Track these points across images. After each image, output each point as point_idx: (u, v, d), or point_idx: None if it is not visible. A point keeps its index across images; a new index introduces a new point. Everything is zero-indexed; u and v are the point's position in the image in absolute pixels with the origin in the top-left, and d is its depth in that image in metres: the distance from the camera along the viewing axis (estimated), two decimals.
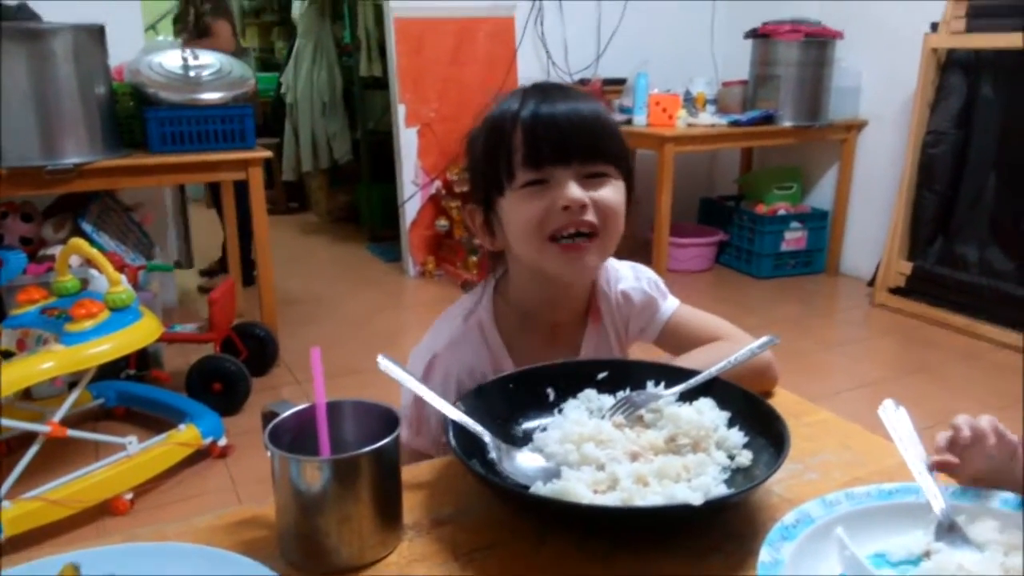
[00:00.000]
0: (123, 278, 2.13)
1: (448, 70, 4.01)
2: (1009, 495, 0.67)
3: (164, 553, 0.63)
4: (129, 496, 2.05)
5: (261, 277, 2.92)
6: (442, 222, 4.12)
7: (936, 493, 0.66)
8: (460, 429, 0.74)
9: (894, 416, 0.73)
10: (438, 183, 4.12)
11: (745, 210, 4.19)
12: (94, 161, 2.52)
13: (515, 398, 0.85)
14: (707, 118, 3.80)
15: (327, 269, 4.53)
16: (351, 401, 0.70)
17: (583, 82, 4.15)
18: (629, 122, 3.73)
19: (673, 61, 4.16)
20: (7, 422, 1.95)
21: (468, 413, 0.76)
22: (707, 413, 0.79)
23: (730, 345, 0.94)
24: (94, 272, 2.24)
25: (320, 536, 0.63)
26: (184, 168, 2.71)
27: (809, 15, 3.81)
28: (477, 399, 0.82)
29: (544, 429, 0.80)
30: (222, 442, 2.31)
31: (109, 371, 2.53)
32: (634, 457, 0.74)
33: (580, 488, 0.68)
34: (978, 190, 3.34)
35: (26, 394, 2.33)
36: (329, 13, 5.21)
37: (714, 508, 0.67)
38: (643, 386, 0.85)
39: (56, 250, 2.46)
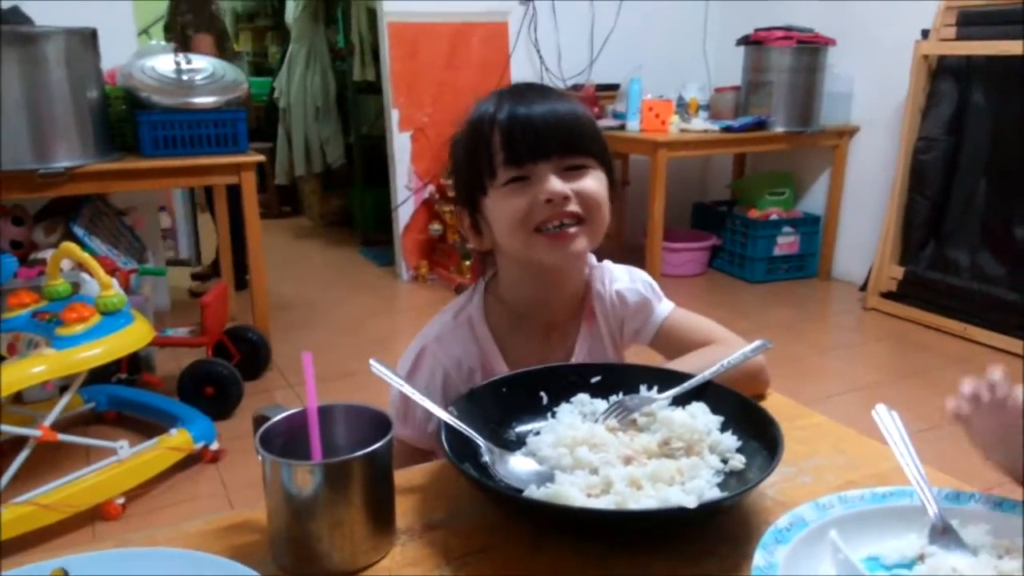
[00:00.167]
0: (114, 282, 2.13)
1: (442, 75, 4.02)
2: (1004, 499, 0.67)
3: (154, 558, 0.62)
4: (121, 501, 2.04)
5: (254, 281, 2.91)
6: (435, 226, 4.12)
7: (930, 496, 0.66)
8: (453, 433, 0.74)
9: (888, 420, 0.73)
10: (431, 187, 4.12)
11: (738, 215, 4.20)
12: (86, 165, 2.51)
13: (508, 402, 0.85)
14: (700, 124, 3.81)
15: (320, 273, 4.52)
16: (343, 405, 0.70)
17: (576, 87, 4.16)
18: (622, 127, 3.74)
19: (666, 67, 4.18)
20: None
21: (461, 417, 0.76)
22: (700, 417, 0.79)
23: (723, 349, 0.94)
24: (85, 276, 2.23)
25: (312, 541, 0.62)
26: (176, 172, 2.71)
27: (801, 22, 3.83)
28: (470, 402, 0.81)
29: (537, 433, 0.80)
30: (214, 446, 2.30)
31: (100, 375, 2.52)
32: (627, 461, 0.74)
33: (573, 492, 0.68)
34: (969, 195, 3.36)
35: (17, 398, 2.31)
36: (323, 18, 5.21)
37: (708, 511, 0.66)
38: (636, 390, 0.85)
39: (47, 254, 2.45)
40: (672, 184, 3.72)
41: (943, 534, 0.64)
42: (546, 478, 0.71)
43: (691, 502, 0.64)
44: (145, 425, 2.42)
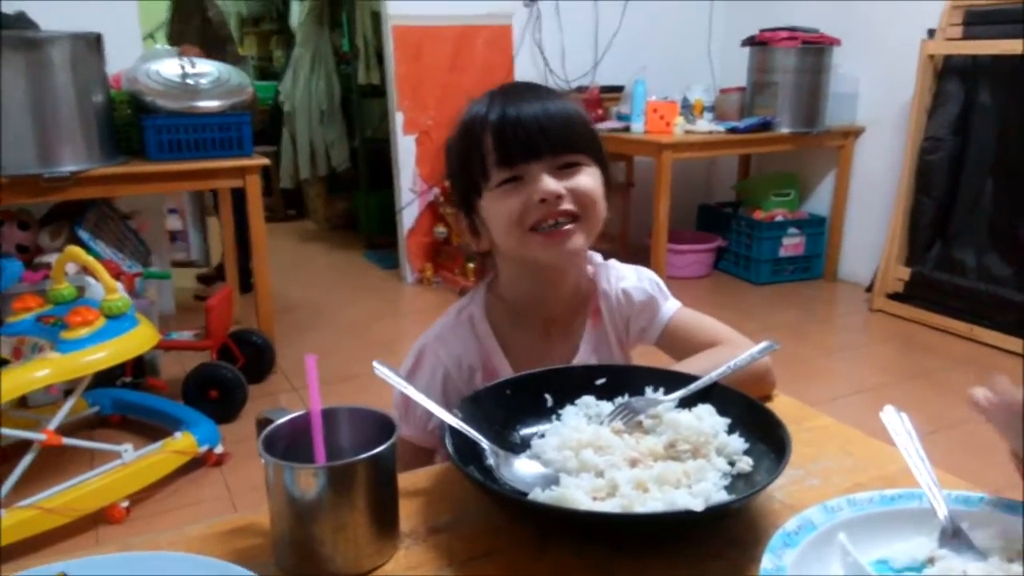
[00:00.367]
0: (119, 285, 2.13)
1: (446, 77, 4.02)
2: (1014, 501, 0.66)
3: (156, 562, 0.62)
4: (125, 504, 2.04)
5: (258, 284, 2.91)
6: (440, 229, 4.12)
7: (939, 499, 0.65)
8: (457, 435, 0.73)
9: (896, 421, 0.72)
10: (436, 190, 4.12)
11: (743, 216, 4.19)
12: (91, 169, 2.51)
13: (513, 404, 0.84)
14: (705, 125, 3.80)
15: (325, 276, 4.52)
16: (347, 407, 0.69)
17: (580, 89, 4.16)
18: (627, 129, 3.73)
19: (670, 68, 4.17)
20: (2, 430, 1.94)
21: (466, 419, 0.75)
22: (707, 419, 0.78)
23: (729, 350, 0.94)
24: (90, 279, 2.23)
25: (315, 544, 0.62)
26: (181, 176, 2.71)
27: (806, 22, 3.82)
28: (474, 405, 0.81)
29: (542, 435, 0.79)
30: (218, 450, 2.30)
31: (105, 379, 2.53)
32: (633, 463, 0.73)
33: (579, 495, 0.67)
34: (976, 196, 3.35)
35: (21, 402, 2.32)
36: (327, 21, 5.22)
37: (715, 514, 0.66)
38: (642, 392, 0.84)
39: (52, 258, 2.45)
40: (677, 186, 3.71)
41: (953, 537, 0.63)
42: (551, 481, 0.71)
43: (698, 505, 0.64)
44: (149, 428, 2.42)
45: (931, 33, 3.41)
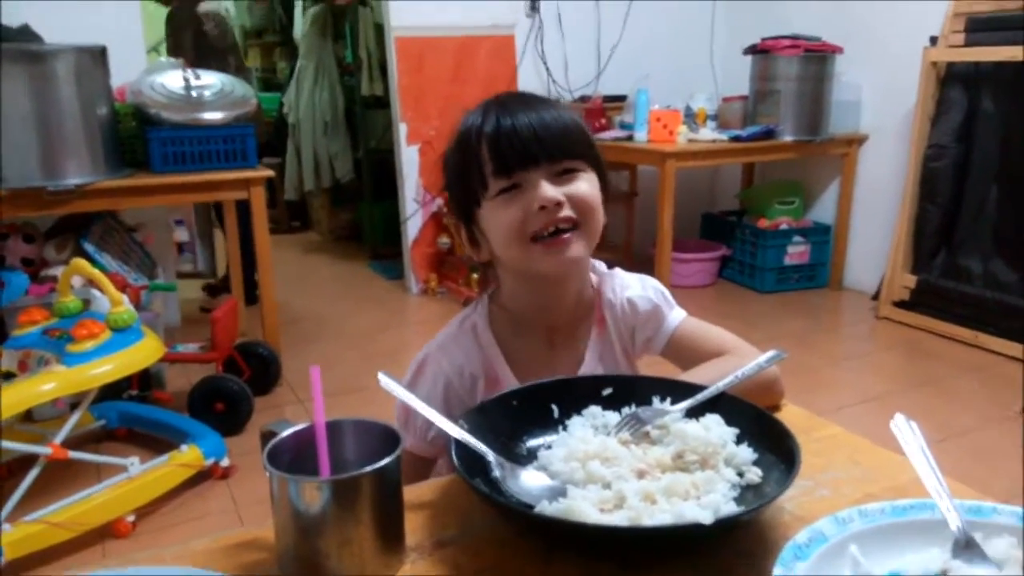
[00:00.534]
0: (125, 298, 2.13)
1: (449, 88, 4.03)
2: None
3: None
4: (131, 518, 2.04)
5: (263, 296, 2.92)
6: (444, 239, 4.12)
7: (952, 509, 0.64)
8: (463, 447, 0.73)
9: (906, 431, 0.71)
10: (439, 201, 4.12)
11: (747, 225, 4.18)
12: (96, 182, 2.52)
13: (519, 415, 0.83)
14: (708, 134, 3.80)
15: (329, 287, 4.53)
16: (352, 420, 0.69)
17: (584, 99, 4.17)
18: (630, 138, 3.73)
19: (673, 77, 4.18)
20: (8, 444, 1.94)
21: (471, 431, 0.75)
22: (715, 429, 0.77)
23: (737, 360, 0.93)
24: (96, 292, 2.23)
25: (320, 559, 0.61)
26: (186, 188, 2.71)
27: (808, 30, 3.82)
28: (480, 416, 0.80)
29: (549, 447, 0.79)
30: (224, 463, 2.29)
31: (111, 392, 2.53)
32: (641, 475, 0.72)
33: (586, 507, 0.66)
34: (980, 203, 3.34)
35: (27, 416, 2.31)
36: (330, 33, 5.24)
37: (725, 527, 0.65)
38: (649, 402, 0.84)
39: (58, 271, 2.46)
40: (681, 194, 3.71)
41: (966, 548, 0.62)
42: (558, 493, 0.70)
43: (707, 517, 0.63)
44: (156, 442, 2.42)
45: (933, 40, 3.41)
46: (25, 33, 2.66)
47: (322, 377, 0.66)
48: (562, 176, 0.92)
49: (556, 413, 0.84)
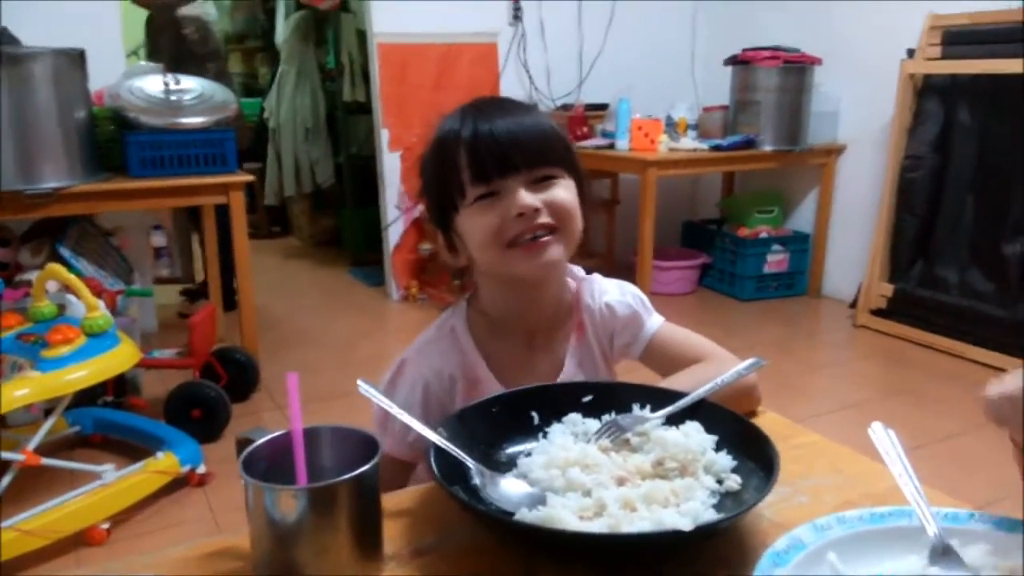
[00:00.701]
0: (101, 303, 2.10)
1: (431, 95, 4.02)
2: (1004, 517, 0.66)
3: None
4: (106, 526, 2.01)
5: (242, 301, 2.89)
6: (425, 246, 4.11)
7: (929, 516, 0.65)
8: (443, 455, 0.72)
9: (884, 438, 0.71)
10: (421, 207, 4.11)
11: (727, 233, 4.21)
12: (73, 185, 2.49)
13: (498, 422, 0.83)
14: (689, 143, 3.82)
15: (310, 293, 4.50)
16: (329, 427, 0.68)
17: (566, 107, 4.18)
18: (612, 147, 3.75)
19: (655, 87, 4.20)
20: None
21: (451, 438, 0.75)
22: (694, 436, 0.77)
23: (716, 367, 0.93)
24: (71, 297, 2.20)
25: (297, 568, 0.61)
26: (164, 192, 2.69)
27: (788, 42, 3.86)
28: (460, 423, 0.80)
29: (528, 454, 0.78)
30: (201, 470, 2.27)
31: (86, 398, 2.49)
32: (621, 482, 0.72)
33: (566, 515, 0.66)
34: (957, 213, 3.38)
35: (0, 421, 2.28)
36: (312, 39, 5.22)
37: (704, 534, 0.65)
38: (629, 409, 0.83)
39: (33, 275, 2.42)
40: (662, 203, 3.73)
41: (943, 555, 0.62)
42: (538, 500, 0.70)
43: (686, 524, 0.63)
44: (131, 448, 2.39)
45: (910, 53, 3.46)
46: (3, 36, 2.63)
47: (301, 384, 0.65)
48: (540, 183, 0.92)
49: (536, 420, 0.84)
